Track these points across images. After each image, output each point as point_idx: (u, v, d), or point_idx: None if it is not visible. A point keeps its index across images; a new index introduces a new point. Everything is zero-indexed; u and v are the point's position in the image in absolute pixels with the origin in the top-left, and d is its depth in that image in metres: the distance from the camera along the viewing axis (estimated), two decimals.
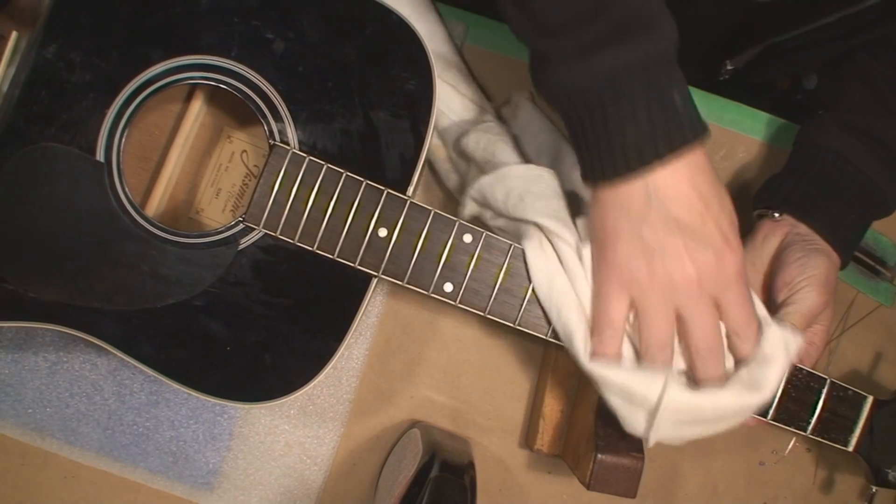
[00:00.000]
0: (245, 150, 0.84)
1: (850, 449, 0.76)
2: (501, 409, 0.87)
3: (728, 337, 0.66)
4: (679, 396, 0.63)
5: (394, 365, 0.86)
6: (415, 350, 0.87)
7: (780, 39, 0.90)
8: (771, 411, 0.73)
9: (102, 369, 0.85)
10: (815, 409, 0.74)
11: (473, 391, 0.87)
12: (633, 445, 0.74)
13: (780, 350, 0.66)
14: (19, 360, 0.85)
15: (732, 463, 0.87)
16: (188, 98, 0.82)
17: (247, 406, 0.84)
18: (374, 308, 0.86)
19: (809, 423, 0.74)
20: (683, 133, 0.60)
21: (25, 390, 0.85)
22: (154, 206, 0.80)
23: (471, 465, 0.78)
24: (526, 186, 0.70)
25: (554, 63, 0.60)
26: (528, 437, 0.86)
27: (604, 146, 0.60)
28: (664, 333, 0.64)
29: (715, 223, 0.61)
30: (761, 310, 0.69)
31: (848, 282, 0.90)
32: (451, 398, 0.87)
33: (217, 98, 0.83)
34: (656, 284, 0.62)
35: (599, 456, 0.72)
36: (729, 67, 0.96)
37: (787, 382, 0.73)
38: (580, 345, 0.66)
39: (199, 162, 0.84)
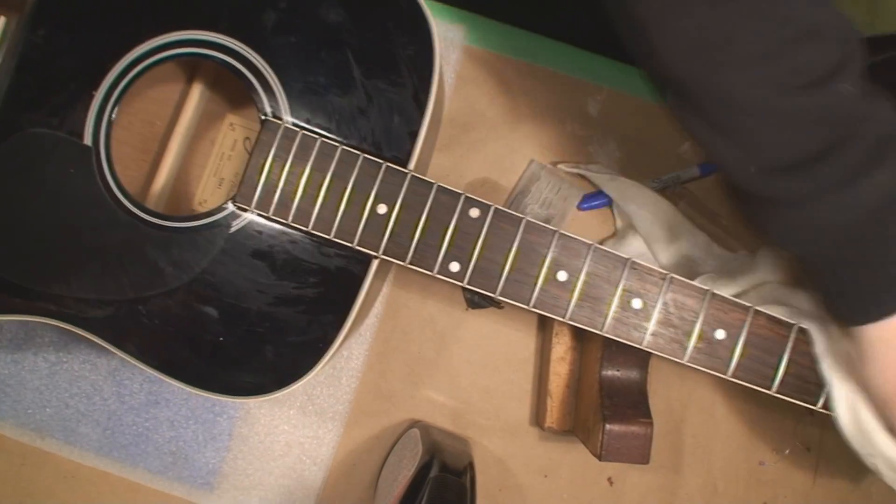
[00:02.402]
0: (248, 138, 0.83)
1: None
2: (501, 409, 0.87)
3: None
4: None
5: (394, 365, 0.86)
6: (415, 350, 0.86)
7: None
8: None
9: (102, 370, 0.85)
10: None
11: (473, 391, 0.87)
12: (641, 412, 0.73)
13: None
14: (19, 360, 0.84)
15: (732, 463, 0.87)
16: (188, 85, 0.81)
17: (241, 400, 0.82)
18: (374, 308, 0.86)
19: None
20: None
21: (25, 391, 0.84)
22: (155, 197, 0.78)
23: (471, 465, 0.78)
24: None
25: (797, 204, 0.54)
26: (537, 416, 0.86)
27: (871, 283, 0.55)
28: None
29: None
30: None
31: None
32: (451, 398, 0.86)
33: (218, 85, 0.82)
34: None
35: (608, 426, 0.72)
36: None
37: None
38: None
39: (201, 151, 0.83)
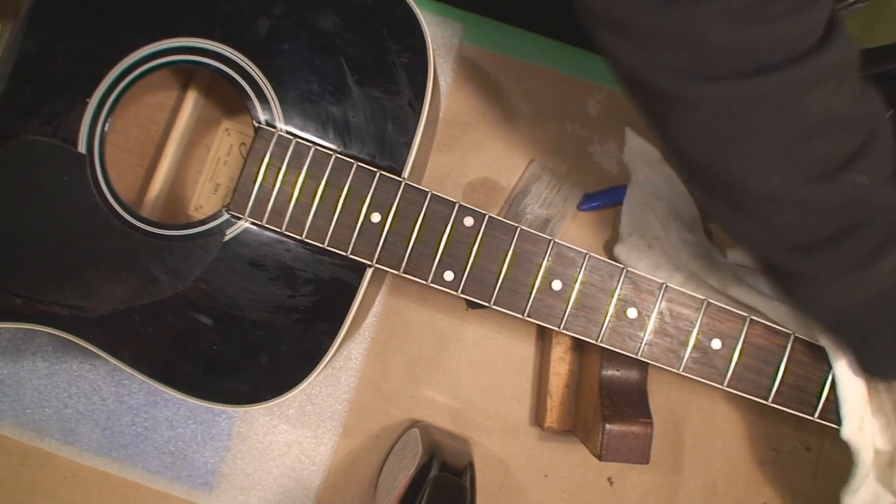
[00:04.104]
0: (243, 143, 0.83)
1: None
2: (501, 409, 0.87)
3: None
4: None
5: (393, 364, 0.86)
6: (415, 350, 0.86)
7: None
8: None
9: (101, 370, 0.85)
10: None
11: (473, 391, 0.87)
12: (641, 412, 0.74)
13: None
14: (18, 360, 0.85)
15: (732, 463, 0.87)
16: (183, 91, 0.81)
17: (236, 409, 0.82)
18: (373, 307, 0.86)
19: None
20: None
21: (24, 391, 0.85)
22: (150, 203, 0.78)
23: (471, 465, 0.78)
24: None
25: (819, 281, 0.57)
26: (537, 416, 0.86)
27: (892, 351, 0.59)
28: None
29: None
30: None
31: None
32: (451, 398, 0.86)
33: (213, 90, 0.81)
34: None
35: (608, 426, 0.72)
36: None
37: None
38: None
39: (197, 157, 0.83)
